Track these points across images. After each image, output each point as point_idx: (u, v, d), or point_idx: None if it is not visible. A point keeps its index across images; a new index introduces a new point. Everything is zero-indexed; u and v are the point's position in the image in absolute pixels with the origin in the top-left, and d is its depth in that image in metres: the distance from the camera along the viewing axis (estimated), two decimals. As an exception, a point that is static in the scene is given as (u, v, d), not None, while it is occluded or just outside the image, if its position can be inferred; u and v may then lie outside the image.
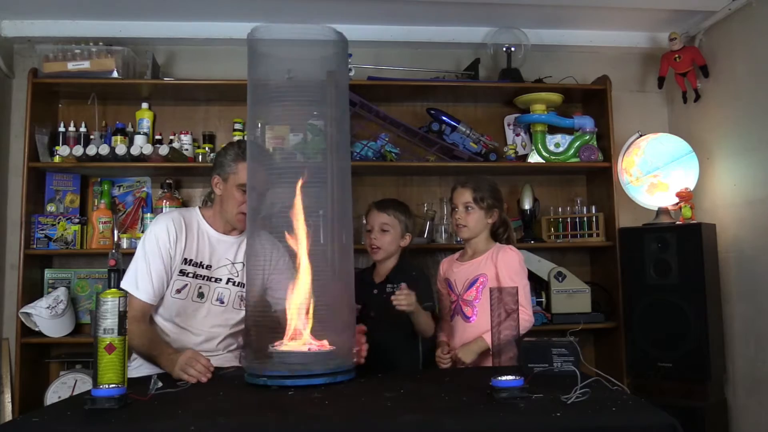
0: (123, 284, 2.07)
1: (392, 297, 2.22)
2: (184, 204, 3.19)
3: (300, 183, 1.81)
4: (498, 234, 2.50)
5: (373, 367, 1.95)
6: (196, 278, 2.20)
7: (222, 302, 2.22)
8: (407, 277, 2.42)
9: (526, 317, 2.26)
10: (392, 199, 2.65)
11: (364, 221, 2.59)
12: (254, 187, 1.95)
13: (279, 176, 1.92)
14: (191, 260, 2.20)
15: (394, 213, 2.51)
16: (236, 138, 3.11)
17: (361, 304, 2.30)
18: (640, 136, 3.14)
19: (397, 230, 2.50)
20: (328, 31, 1.90)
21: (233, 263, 2.25)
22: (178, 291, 2.17)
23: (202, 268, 2.21)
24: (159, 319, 2.20)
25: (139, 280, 2.11)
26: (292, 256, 1.84)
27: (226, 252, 2.25)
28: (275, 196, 1.89)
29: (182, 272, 2.18)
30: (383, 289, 2.47)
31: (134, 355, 2.20)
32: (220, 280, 2.23)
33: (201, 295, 2.20)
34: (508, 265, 2.36)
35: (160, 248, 2.14)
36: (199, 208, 2.34)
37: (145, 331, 2.09)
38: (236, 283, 2.24)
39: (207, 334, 2.20)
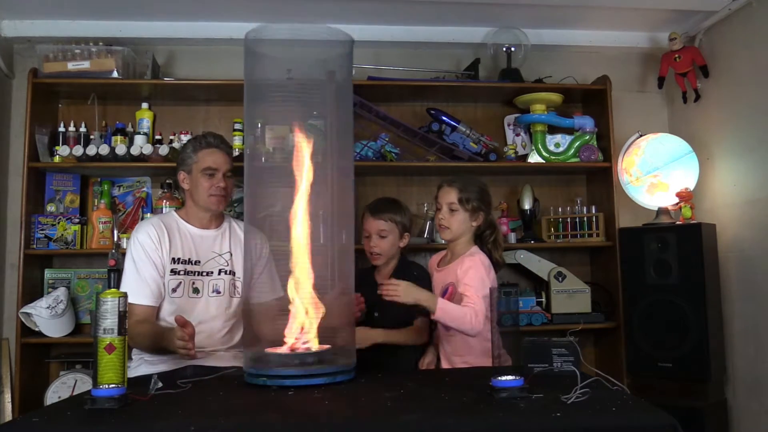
0: None
1: (380, 291, 2.12)
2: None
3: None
4: (484, 237, 2.37)
5: (378, 367, 1.95)
6: (188, 275, 2.24)
7: (218, 292, 2.26)
8: (409, 277, 2.40)
9: (473, 317, 2.10)
10: (386, 201, 2.61)
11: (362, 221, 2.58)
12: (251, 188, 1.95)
13: (278, 177, 1.92)
14: (179, 258, 2.24)
15: (390, 217, 2.50)
16: (236, 138, 3.12)
17: (364, 299, 2.30)
18: (640, 136, 3.13)
19: (395, 233, 2.50)
20: (331, 31, 1.89)
21: (220, 254, 2.29)
22: (174, 290, 2.21)
23: (191, 264, 2.25)
24: (162, 323, 2.21)
25: (135, 287, 2.13)
26: (292, 256, 1.84)
27: (210, 246, 2.30)
28: (274, 196, 1.89)
29: (173, 271, 2.21)
30: None
31: (135, 355, 2.21)
32: (212, 272, 2.27)
33: (196, 291, 2.24)
34: (466, 270, 2.22)
35: (147, 253, 2.18)
36: (174, 210, 2.39)
37: (149, 329, 2.12)
38: (228, 272, 2.28)
39: (207, 327, 2.20)
